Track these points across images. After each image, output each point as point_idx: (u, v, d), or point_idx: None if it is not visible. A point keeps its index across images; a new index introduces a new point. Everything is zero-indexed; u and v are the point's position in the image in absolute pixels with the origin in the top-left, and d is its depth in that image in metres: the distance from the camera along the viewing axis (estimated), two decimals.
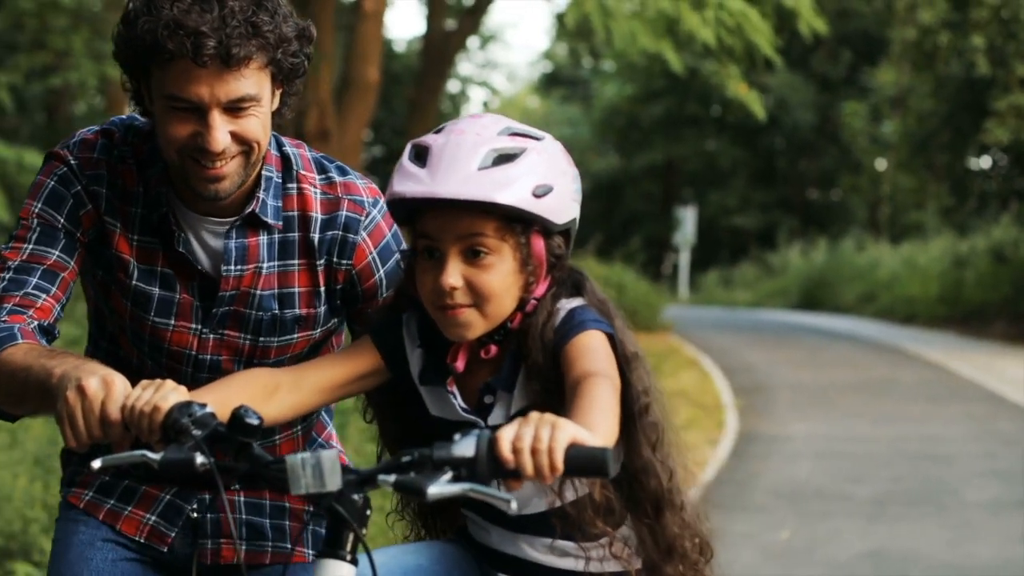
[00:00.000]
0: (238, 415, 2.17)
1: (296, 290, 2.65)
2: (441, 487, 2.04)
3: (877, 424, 12.05)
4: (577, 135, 38.10)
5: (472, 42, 20.32)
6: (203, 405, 2.22)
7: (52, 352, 2.39)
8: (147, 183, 2.60)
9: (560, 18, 28.11)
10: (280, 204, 2.62)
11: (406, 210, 2.42)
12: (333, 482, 2.09)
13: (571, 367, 2.33)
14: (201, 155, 2.45)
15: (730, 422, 12.25)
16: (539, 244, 2.41)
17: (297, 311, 2.65)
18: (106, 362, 2.59)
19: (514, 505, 2.01)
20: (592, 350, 2.36)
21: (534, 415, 2.07)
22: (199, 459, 2.15)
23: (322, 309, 2.68)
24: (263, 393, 2.44)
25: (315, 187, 2.66)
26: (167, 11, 2.38)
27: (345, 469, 2.11)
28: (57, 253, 2.56)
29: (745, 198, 37.89)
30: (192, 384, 2.45)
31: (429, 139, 2.40)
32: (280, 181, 2.63)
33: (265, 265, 2.63)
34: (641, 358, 2.45)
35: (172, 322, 2.63)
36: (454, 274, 2.36)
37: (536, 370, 2.42)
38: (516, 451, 2.02)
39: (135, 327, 2.65)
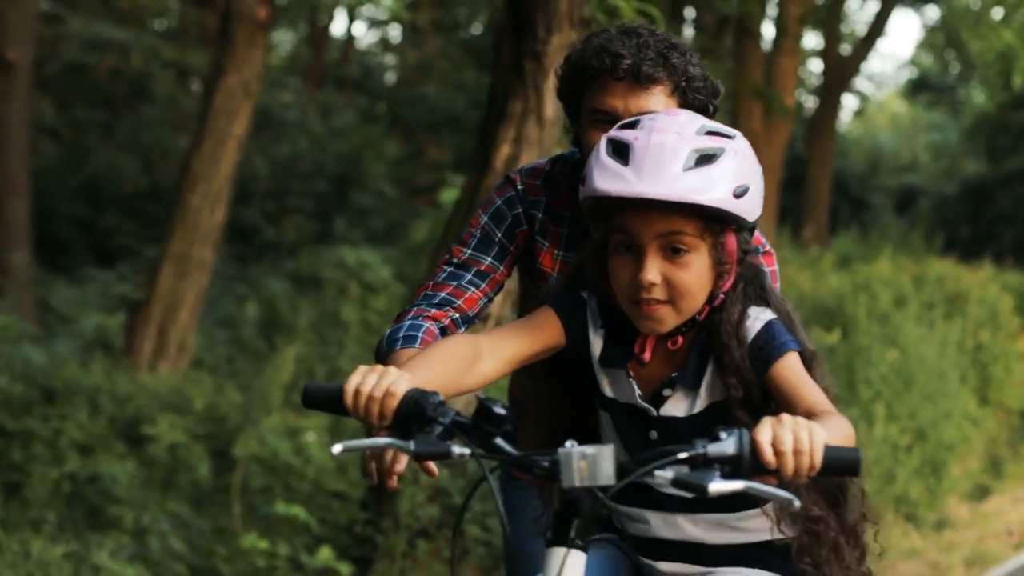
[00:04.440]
0: (485, 406, 2.18)
1: None
2: (720, 484, 2.09)
3: None
4: (945, 140, 38.77)
5: (844, 51, 21.88)
6: (435, 393, 2.23)
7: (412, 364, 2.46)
8: (576, 206, 2.84)
9: (930, 30, 29.10)
10: None
11: (600, 204, 2.44)
12: (607, 476, 2.11)
13: (796, 398, 2.36)
14: None
15: None
16: (732, 242, 2.45)
17: None
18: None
19: (796, 503, 2.09)
20: (804, 378, 2.41)
21: (787, 417, 2.13)
22: (456, 449, 2.18)
23: None
24: (464, 364, 2.44)
25: None
26: (596, 40, 2.83)
27: (620, 466, 2.13)
28: (489, 259, 2.90)
29: None
30: None
31: (627, 135, 2.43)
32: None
33: None
34: (819, 356, 2.50)
35: None
36: (653, 271, 2.39)
37: (733, 367, 2.46)
38: (778, 453, 2.09)
39: None
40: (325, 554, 5.46)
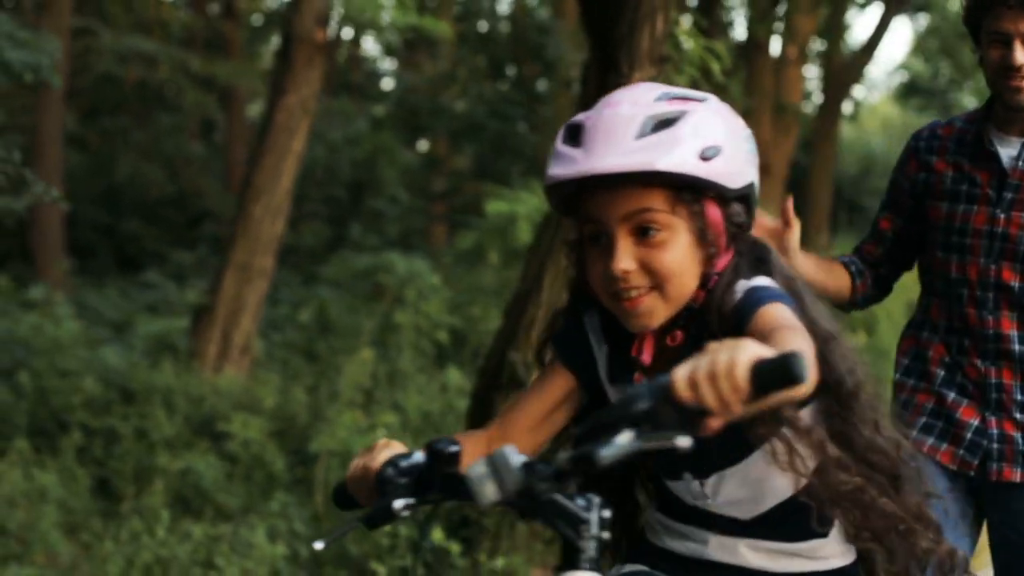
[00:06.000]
0: (433, 448, 2.01)
1: None
2: (610, 449, 1.79)
3: None
4: None
5: (845, 59, 22.64)
6: (409, 454, 2.08)
7: None
8: (961, 131, 3.45)
9: (923, 36, 29.75)
10: None
11: (564, 196, 2.18)
12: (513, 480, 1.85)
13: (761, 336, 1.93)
14: (1008, 73, 3.25)
15: None
16: (715, 213, 2.16)
17: None
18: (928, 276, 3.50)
19: (683, 441, 1.76)
20: (781, 317, 2.01)
21: (711, 344, 1.76)
22: (396, 504, 2.04)
23: None
24: (485, 451, 2.10)
25: None
26: None
27: (525, 463, 1.86)
28: (885, 213, 3.54)
29: None
30: (988, 256, 3.33)
31: (582, 117, 2.17)
32: None
33: None
34: (839, 339, 2.14)
35: (975, 207, 3.37)
36: (624, 258, 2.12)
37: None
38: (693, 384, 1.73)
39: (947, 223, 3.41)
40: (438, 534, 6.08)
